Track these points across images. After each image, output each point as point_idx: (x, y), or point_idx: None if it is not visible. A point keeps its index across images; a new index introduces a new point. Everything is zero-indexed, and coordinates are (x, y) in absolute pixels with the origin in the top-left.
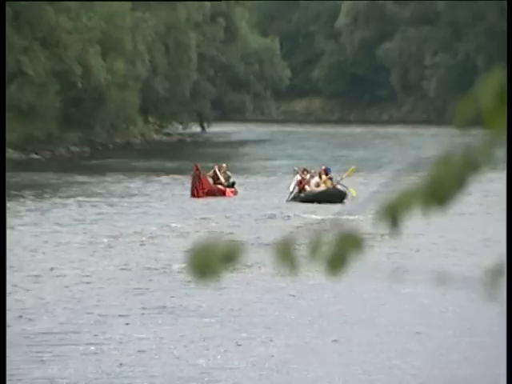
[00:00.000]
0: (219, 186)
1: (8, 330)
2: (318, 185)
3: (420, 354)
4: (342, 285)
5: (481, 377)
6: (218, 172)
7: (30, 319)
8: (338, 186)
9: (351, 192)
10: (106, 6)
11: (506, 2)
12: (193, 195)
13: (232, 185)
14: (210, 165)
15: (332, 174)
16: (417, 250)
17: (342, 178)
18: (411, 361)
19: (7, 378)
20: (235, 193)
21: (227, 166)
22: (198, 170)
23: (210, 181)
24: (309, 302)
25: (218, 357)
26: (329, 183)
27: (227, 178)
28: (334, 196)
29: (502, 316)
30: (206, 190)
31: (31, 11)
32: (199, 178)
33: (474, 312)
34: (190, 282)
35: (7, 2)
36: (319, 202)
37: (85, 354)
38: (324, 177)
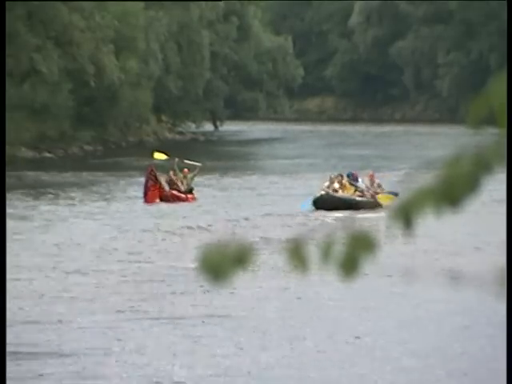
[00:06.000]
0: (174, 192)
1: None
2: (335, 190)
3: (430, 354)
4: (352, 286)
5: (481, 377)
6: (173, 177)
7: (33, 322)
8: (337, 194)
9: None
10: (119, 4)
11: None
12: (146, 201)
13: (190, 191)
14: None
15: (358, 180)
16: (426, 249)
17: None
18: (423, 361)
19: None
20: (194, 199)
21: (188, 170)
22: (152, 171)
23: (166, 187)
24: (317, 304)
25: (222, 362)
26: (349, 190)
27: (187, 184)
28: (332, 203)
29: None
30: (161, 195)
31: (45, 10)
32: (154, 182)
33: (484, 311)
34: (201, 284)
35: (22, 2)
36: (323, 209)
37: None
38: (344, 181)
